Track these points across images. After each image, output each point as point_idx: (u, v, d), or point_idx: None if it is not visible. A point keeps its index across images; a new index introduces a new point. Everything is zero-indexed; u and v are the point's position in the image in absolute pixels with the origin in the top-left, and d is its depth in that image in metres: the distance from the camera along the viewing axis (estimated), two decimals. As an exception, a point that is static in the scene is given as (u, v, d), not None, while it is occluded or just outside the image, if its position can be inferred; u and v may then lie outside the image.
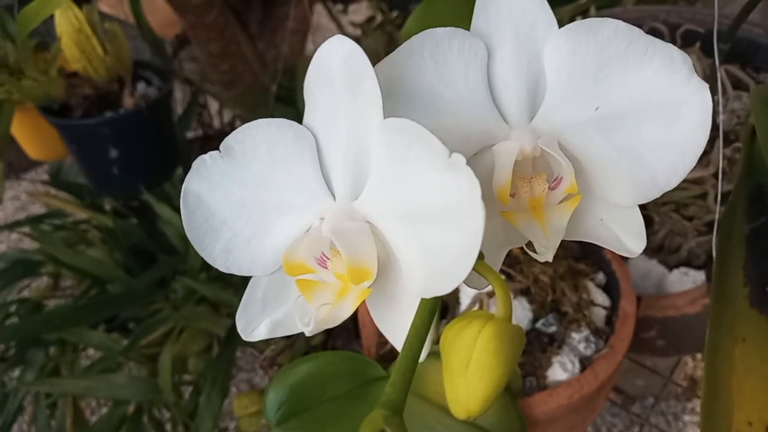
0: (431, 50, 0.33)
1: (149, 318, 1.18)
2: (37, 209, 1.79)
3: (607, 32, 0.32)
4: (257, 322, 0.35)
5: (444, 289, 0.29)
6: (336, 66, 0.32)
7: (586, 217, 0.34)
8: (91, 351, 1.39)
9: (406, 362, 0.28)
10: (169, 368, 1.11)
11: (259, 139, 0.34)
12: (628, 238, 0.33)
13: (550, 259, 0.32)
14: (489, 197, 0.34)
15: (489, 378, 0.27)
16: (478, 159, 0.35)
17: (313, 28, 2.84)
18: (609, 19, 0.32)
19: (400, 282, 0.32)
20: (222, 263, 0.35)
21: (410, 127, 0.29)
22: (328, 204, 0.33)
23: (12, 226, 1.45)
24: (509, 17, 0.34)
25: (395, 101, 0.33)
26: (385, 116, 0.31)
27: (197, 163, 0.35)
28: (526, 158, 0.33)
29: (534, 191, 0.34)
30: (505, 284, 0.29)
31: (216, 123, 1.70)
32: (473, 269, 0.28)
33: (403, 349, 0.29)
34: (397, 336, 0.32)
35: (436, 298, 0.30)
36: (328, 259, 0.32)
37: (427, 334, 0.30)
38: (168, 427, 1.21)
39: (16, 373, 1.32)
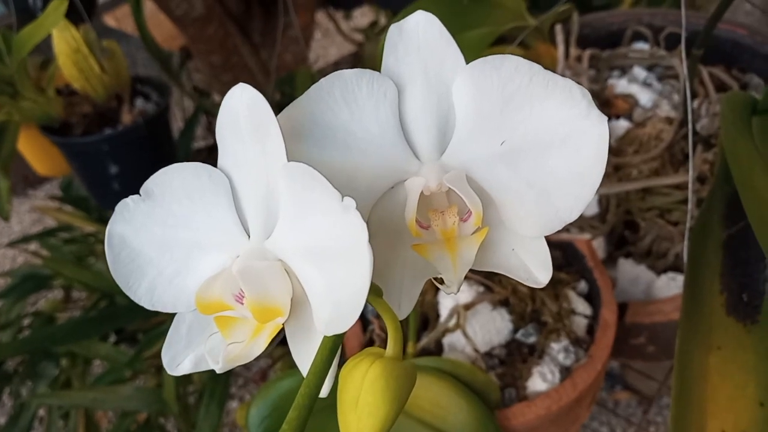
0: (341, 91, 0.34)
1: (153, 330, 1.20)
2: (53, 222, 1.83)
3: (509, 68, 0.33)
4: (182, 357, 0.36)
5: (343, 326, 0.30)
6: (241, 112, 0.33)
7: (499, 248, 0.35)
8: (104, 363, 1.42)
9: (303, 400, 0.29)
10: (173, 379, 1.13)
11: (176, 183, 0.35)
12: (536, 268, 0.34)
13: (456, 292, 0.33)
14: (404, 230, 0.35)
15: (376, 415, 0.28)
16: (395, 193, 0.35)
17: (323, 32, 2.85)
18: (510, 55, 0.32)
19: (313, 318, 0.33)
20: (147, 301, 0.36)
21: (306, 171, 0.30)
22: (242, 243, 0.35)
23: (23, 240, 1.49)
24: (418, 56, 0.34)
25: (310, 142, 0.34)
26: (302, 157, 0.32)
27: (120, 207, 0.36)
28: (437, 192, 0.34)
29: (446, 223, 0.34)
30: (397, 322, 0.30)
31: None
32: (369, 304, 0.29)
33: (302, 386, 0.30)
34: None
35: (336, 338, 0.31)
36: (245, 296, 0.33)
37: (327, 373, 0.31)
38: (175, 436, 1.24)
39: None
